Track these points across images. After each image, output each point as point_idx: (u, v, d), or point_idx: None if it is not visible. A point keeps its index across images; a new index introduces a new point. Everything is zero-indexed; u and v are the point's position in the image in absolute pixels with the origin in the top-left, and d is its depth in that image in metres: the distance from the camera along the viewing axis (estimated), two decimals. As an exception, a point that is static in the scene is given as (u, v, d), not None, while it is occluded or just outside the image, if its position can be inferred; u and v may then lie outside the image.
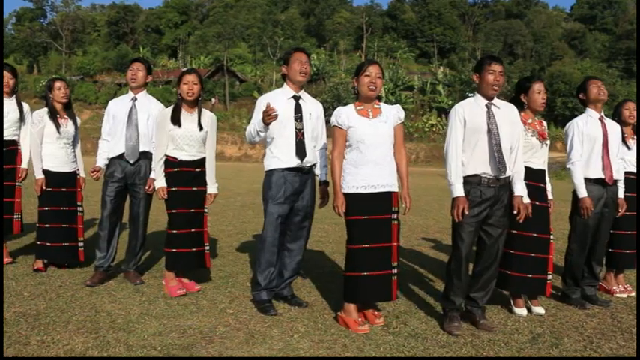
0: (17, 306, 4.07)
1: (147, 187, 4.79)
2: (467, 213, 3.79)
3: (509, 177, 3.95)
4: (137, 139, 4.83)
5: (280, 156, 4.22)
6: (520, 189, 3.98)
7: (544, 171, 4.40)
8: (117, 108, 4.96)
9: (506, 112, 3.96)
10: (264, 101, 4.24)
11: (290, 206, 4.27)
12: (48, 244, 5.12)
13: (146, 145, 4.84)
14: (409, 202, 3.90)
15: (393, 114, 3.95)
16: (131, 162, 4.83)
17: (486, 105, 3.91)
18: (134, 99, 4.93)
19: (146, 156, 4.83)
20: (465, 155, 3.89)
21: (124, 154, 4.82)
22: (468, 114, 3.90)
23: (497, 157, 3.81)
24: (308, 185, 4.34)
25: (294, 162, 4.21)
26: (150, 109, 4.91)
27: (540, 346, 3.63)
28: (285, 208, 4.23)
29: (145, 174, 4.84)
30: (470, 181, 3.87)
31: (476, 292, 4.00)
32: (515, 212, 3.94)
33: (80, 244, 5.24)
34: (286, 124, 4.22)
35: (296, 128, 4.24)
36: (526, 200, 4.03)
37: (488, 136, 3.84)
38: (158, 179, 4.56)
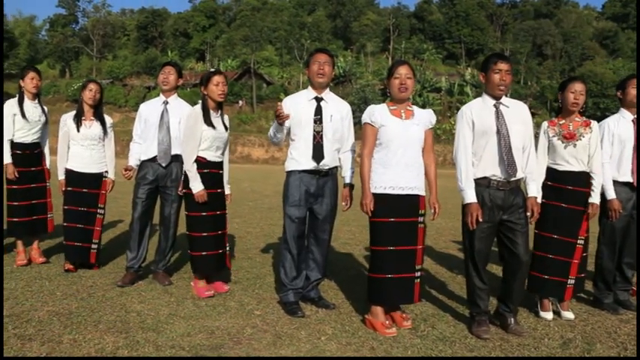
0: (50, 305, 4.15)
1: (180, 189, 4.83)
2: (480, 220, 3.74)
3: (522, 179, 3.89)
4: (169, 142, 4.88)
5: (298, 158, 4.24)
6: (533, 189, 3.91)
7: (577, 173, 4.24)
8: (149, 111, 5.02)
9: (516, 110, 3.88)
10: (285, 102, 4.28)
11: (308, 208, 4.27)
12: (64, 242, 5.24)
13: (178, 148, 4.88)
14: (438, 208, 3.89)
15: (425, 117, 3.94)
16: (163, 165, 4.88)
17: (495, 105, 3.84)
18: (166, 102, 4.98)
19: (177, 159, 4.88)
20: (475, 157, 3.83)
21: (156, 156, 4.88)
22: (477, 115, 3.83)
23: (506, 159, 3.74)
24: (327, 188, 4.32)
25: (311, 164, 4.20)
26: (181, 112, 4.95)
27: (572, 351, 3.56)
28: (302, 210, 4.23)
29: (176, 176, 4.89)
30: (479, 184, 3.81)
31: (506, 297, 3.94)
32: (528, 213, 3.87)
33: (94, 246, 5.24)
34: (305, 126, 4.23)
35: (314, 130, 4.22)
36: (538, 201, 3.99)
37: (497, 137, 3.77)
38: (196, 183, 4.47)
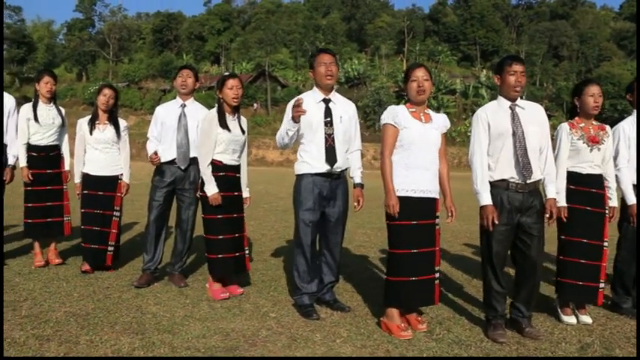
0: (67, 306, 4.19)
1: (198, 192, 4.85)
2: (497, 222, 3.71)
3: (540, 181, 3.86)
4: (188, 145, 4.90)
5: (310, 161, 4.20)
6: (552, 191, 3.88)
7: (598, 175, 4.24)
8: (166, 114, 5.04)
9: (532, 112, 3.86)
10: (294, 103, 4.24)
11: (321, 212, 4.25)
12: (82, 244, 5.29)
13: (195, 150, 4.90)
14: (455, 211, 3.91)
15: (441, 122, 3.97)
16: (182, 168, 4.91)
17: (510, 107, 3.82)
18: (183, 105, 5.00)
19: (196, 161, 4.89)
20: (492, 160, 3.81)
21: (174, 159, 4.90)
22: (492, 118, 3.81)
23: (521, 161, 3.71)
24: (339, 190, 4.30)
25: (324, 167, 4.18)
26: (198, 115, 4.96)
27: (590, 356, 3.52)
28: (316, 214, 4.22)
29: (194, 179, 4.90)
30: (497, 186, 3.78)
31: (520, 301, 3.91)
32: (547, 215, 3.84)
33: (110, 248, 5.28)
34: (316, 128, 4.19)
35: (326, 133, 4.20)
36: (561, 204, 3.98)
37: (513, 139, 3.75)
38: (210, 186, 4.50)
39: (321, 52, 4.32)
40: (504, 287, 3.85)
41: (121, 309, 4.17)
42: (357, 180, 4.44)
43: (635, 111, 4.53)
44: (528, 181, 3.75)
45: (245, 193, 4.80)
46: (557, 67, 57.05)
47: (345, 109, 4.37)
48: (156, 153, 4.90)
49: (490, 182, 3.79)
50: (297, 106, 4.03)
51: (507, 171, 3.77)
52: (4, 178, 5.39)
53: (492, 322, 3.83)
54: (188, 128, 4.93)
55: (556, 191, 3.94)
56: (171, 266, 5.07)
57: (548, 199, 3.87)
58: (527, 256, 3.83)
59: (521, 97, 3.92)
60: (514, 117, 3.78)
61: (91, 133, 5.24)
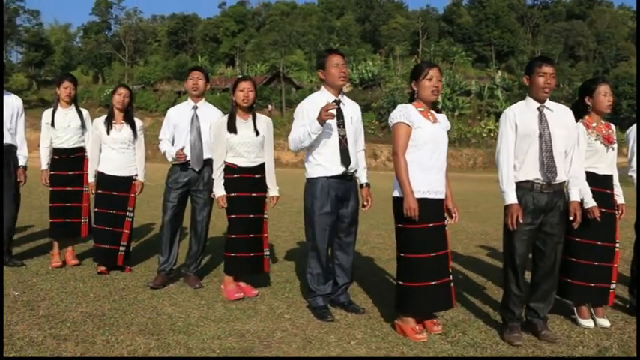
0: (84, 306, 4.22)
1: (212, 193, 4.87)
2: (521, 221, 3.68)
3: (565, 182, 3.82)
4: (201, 147, 4.92)
5: (325, 164, 4.16)
6: (576, 194, 3.84)
7: (611, 176, 4.23)
8: (178, 116, 5.05)
9: (559, 114, 3.82)
10: (306, 106, 4.21)
11: (337, 214, 4.24)
12: (94, 244, 5.32)
13: (208, 152, 4.93)
14: (457, 212, 3.96)
15: (445, 122, 3.96)
16: (196, 169, 4.92)
17: (538, 108, 3.78)
18: (195, 107, 5.02)
19: (209, 163, 4.92)
20: (517, 160, 3.78)
21: (188, 162, 4.92)
22: (519, 118, 3.78)
23: (546, 164, 3.68)
24: (352, 191, 4.30)
25: (340, 170, 4.16)
26: (211, 116, 5.00)
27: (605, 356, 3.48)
28: (333, 217, 4.20)
29: (208, 180, 4.92)
30: (522, 187, 3.75)
31: (536, 303, 3.87)
32: (571, 218, 3.81)
33: (121, 248, 5.30)
34: (330, 130, 4.16)
35: (339, 135, 4.18)
36: (592, 204, 3.95)
37: (539, 140, 3.72)
38: (217, 188, 4.60)
39: (333, 53, 4.30)
40: (523, 291, 3.81)
41: (136, 310, 4.20)
42: (364, 180, 4.43)
43: None
44: (553, 183, 3.72)
45: (272, 192, 4.78)
46: (573, 67, 56.47)
47: (353, 110, 4.38)
48: (180, 154, 4.86)
49: (515, 183, 3.76)
50: (327, 110, 3.95)
51: (532, 172, 3.73)
52: (19, 180, 5.46)
53: (509, 325, 3.80)
54: (201, 130, 4.94)
55: (581, 194, 3.90)
56: (186, 267, 5.09)
57: (571, 201, 3.83)
58: (547, 256, 3.80)
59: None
60: (541, 119, 3.75)
61: (108, 133, 5.27)
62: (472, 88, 49.15)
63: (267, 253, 4.78)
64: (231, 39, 71.38)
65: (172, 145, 5.03)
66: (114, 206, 5.31)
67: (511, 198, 3.71)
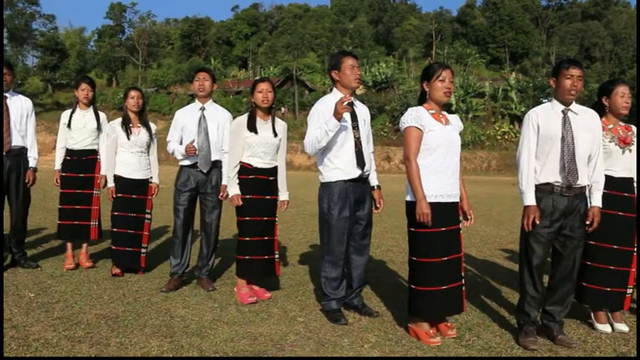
0: (98, 308, 4.24)
1: (221, 194, 4.88)
2: (538, 223, 3.65)
3: (586, 186, 3.77)
4: (209, 148, 4.92)
5: (342, 167, 4.13)
6: (597, 199, 3.79)
7: (630, 179, 4.15)
8: (186, 118, 5.05)
9: (585, 118, 3.78)
10: (320, 108, 4.17)
11: (353, 217, 4.22)
12: (113, 247, 5.33)
13: (217, 154, 4.93)
14: (472, 214, 3.92)
15: (458, 123, 3.92)
16: (204, 171, 4.92)
17: (563, 111, 3.74)
18: (202, 109, 5.02)
19: (216, 165, 4.93)
20: (538, 162, 3.75)
21: (196, 163, 4.92)
22: (542, 120, 3.74)
23: (567, 167, 3.64)
24: (367, 193, 4.29)
25: (357, 172, 4.14)
26: (218, 117, 5.00)
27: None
28: (351, 221, 4.18)
29: (216, 182, 4.93)
30: (542, 189, 3.72)
31: (552, 306, 3.83)
32: (587, 222, 3.76)
33: (143, 250, 5.37)
34: (346, 133, 4.13)
35: (355, 137, 4.16)
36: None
37: (561, 144, 3.68)
38: (232, 187, 4.59)
39: (347, 55, 4.25)
40: (540, 293, 3.77)
41: (150, 312, 4.20)
42: (375, 182, 4.41)
43: None
44: (574, 186, 3.68)
45: (282, 196, 4.77)
46: (589, 68, 55.94)
47: (365, 112, 4.38)
48: (192, 142, 4.83)
49: (535, 185, 3.72)
50: (345, 99, 3.91)
51: (552, 175, 3.70)
52: (27, 181, 5.50)
53: (524, 329, 3.76)
54: (208, 131, 4.94)
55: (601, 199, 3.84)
56: (198, 270, 5.09)
57: (592, 206, 3.78)
58: (566, 259, 3.76)
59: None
60: (565, 122, 3.71)
61: (128, 138, 5.30)
62: (486, 90, 48.78)
63: (278, 255, 4.77)
64: (244, 42, 71.71)
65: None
66: (134, 209, 5.34)
67: (530, 199, 3.68)
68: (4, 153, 5.29)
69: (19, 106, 5.49)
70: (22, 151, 5.48)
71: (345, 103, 3.91)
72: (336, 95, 4.24)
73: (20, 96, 5.63)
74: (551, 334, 3.78)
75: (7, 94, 5.40)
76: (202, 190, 4.99)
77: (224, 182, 4.86)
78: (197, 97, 5.10)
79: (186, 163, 4.97)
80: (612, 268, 4.04)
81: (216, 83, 5.27)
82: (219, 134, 4.96)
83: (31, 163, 5.54)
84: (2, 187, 5.25)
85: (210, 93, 5.08)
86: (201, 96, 5.04)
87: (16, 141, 5.41)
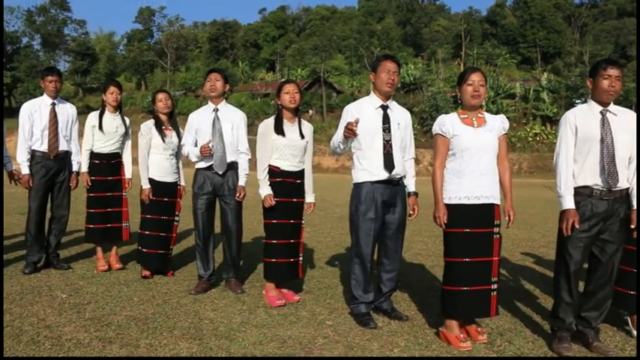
0: (128, 310, 4.28)
1: (237, 195, 4.88)
2: (577, 227, 3.55)
3: (627, 189, 3.66)
4: (224, 149, 4.90)
5: (369, 168, 4.14)
6: None
7: None
8: (200, 120, 5.02)
9: (624, 119, 3.66)
10: (351, 109, 4.20)
11: (382, 220, 4.19)
12: (144, 250, 5.36)
13: (232, 155, 4.92)
14: (513, 216, 3.76)
15: (498, 124, 3.84)
16: (220, 173, 4.90)
17: (601, 112, 3.64)
18: (216, 110, 5.00)
19: (231, 167, 4.92)
20: (576, 165, 3.65)
21: (211, 165, 4.90)
22: (580, 122, 3.64)
23: (607, 169, 3.54)
24: (399, 197, 4.24)
25: (384, 174, 4.12)
26: (232, 117, 4.99)
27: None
28: (378, 223, 4.15)
29: (233, 184, 4.92)
30: (581, 193, 3.61)
31: (588, 312, 3.73)
32: (632, 226, 3.64)
33: (169, 251, 5.45)
34: (374, 135, 4.14)
35: (384, 139, 4.14)
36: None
37: (601, 145, 3.58)
38: (264, 188, 4.56)
39: (387, 59, 4.23)
40: (575, 299, 3.67)
41: (179, 314, 4.23)
42: (412, 188, 4.37)
43: None
44: (613, 189, 3.58)
45: (308, 199, 4.76)
46: (624, 68, 54.81)
47: (402, 117, 4.32)
48: (208, 142, 4.82)
49: (573, 188, 3.63)
50: (350, 126, 3.98)
51: (591, 178, 3.60)
52: (70, 184, 5.61)
53: (558, 335, 3.67)
54: (223, 132, 4.92)
55: None
56: (226, 273, 5.10)
57: (633, 209, 3.66)
58: (604, 264, 3.65)
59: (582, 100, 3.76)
60: (604, 123, 3.61)
61: (163, 140, 5.33)
62: (517, 90, 48.14)
63: (302, 258, 4.76)
64: (271, 44, 72.09)
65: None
66: (165, 212, 5.39)
67: (568, 203, 3.59)
68: (52, 157, 5.45)
69: (66, 112, 5.64)
70: (67, 155, 5.61)
71: (350, 127, 3.97)
72: (371, 98, 4.27)
73: (67, 103, 5.79)
74: (587, 340, 3.68)
75: (55, 101, 5.57)
76: (220, 193, 4.97)
77: (241, 183, 4.89)
78: (209, 98, 5.09)
79: (202, 165, 4.96)
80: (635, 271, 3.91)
81: (229, 84, 5.24)
82: (234, 134, 4.95)
83: (75, 167, 5.66)
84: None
85: (222, 93, 5.07)
86: (214, 97, 5.03)
87: (62, 146, 5.55)
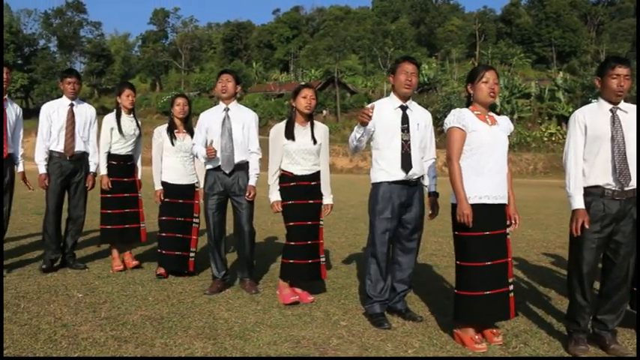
0: (143, 309, 4.31)
1: (247, 194, 4.89)
2: (587, 227, 3.51)
3: None
4: (232, 149, 4.90)
5: (387, 168, 4.14)
6: None
7: None
8: (210, 120, 5.05)
9: (635, 116, 3.61)
10: (371, 104, 4.20)
11: (398, 220, 4.18)
12: (163, 252, 5.39)
13: (242, 154, 4.93)
14: (519, 219, 3.78)
15: (505, 124, 3.84)
16: (227, 172, 4.90)
17: (611, 110, 3.59)
18: (227, 109, 5.02)
19: (242, 167, 4.93)
20: (587, 164, 3.60)
21: (220, 166, 4.91)
22: (590, 120, 3.59)
23: (618, 168, 3.49)
24: (416, 197, 4.23)
25: (401, 174, 4.11)
26: (243, 117, 5.00)
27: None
28: (394, 222, 4.15)
29: (243, 184, 4.92)
30: (592, 193, 3.57)
31: (604, 315, 3.68)
32: None
33: (191, 254, 5.44)
34: (393, 135, 4.14)
35: (402, 139, 4.14)
36: None
37: (611, 144, 3.53)
38: (273, 193, 4.61)
39: (406, 61, 4.23)
40: (589, 302, 3.63)
41: (194, 314, 4.25)
42: (432, 189, 4.37)
43: None
44: (626, 189, 3.53)
45: (326, 200, 4.75)
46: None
47: (422, 117, 4.31)
48: (210, 149, 4.80)
49: (584, 188, 3.59)
50: (366, 111, 3.98)
51: (602, 177, 3.55)
52: (87, 185, 5.66)
53: (574, 337, 3.64)
54: (233, 131, 4.93)
55: None
56: (240, 273, 5.12)
57: None
58: (618, 266, 3.61)
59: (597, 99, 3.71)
60: (614, 120, 3.56)
61: (172, 143, 5.39)
62: (532, 90, 47.73)
63: (324, 259, 4.75)
64: (285, 45, 72.17)
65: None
66: (181, 214, 5.42)
67: (578, 202, 3.55)
68: (68, 158, 5.51)
69: (84, 113, 5.69)
70: (84, 156, 5.66)
71: (365, 112, 3.98)
72: (391, 99, 4.28)
73: (85, 104, 5.84)
74: (604, 343, 3.64)
75: (73, 102, 5.63)
76: (231, 193, 4.98)
77: (251, 183, 4.91)
78: (221, 99, 5.11)
79: (211, 166, 4.97)
80: None
81: (240, 85, 5.22)
82: (245, 134, 4.96)
83: (92, 168, 5.71)
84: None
85: (233, 94, 5.08)
86: (225, 97, 5.04)
87: (79, 146, 5.59)
